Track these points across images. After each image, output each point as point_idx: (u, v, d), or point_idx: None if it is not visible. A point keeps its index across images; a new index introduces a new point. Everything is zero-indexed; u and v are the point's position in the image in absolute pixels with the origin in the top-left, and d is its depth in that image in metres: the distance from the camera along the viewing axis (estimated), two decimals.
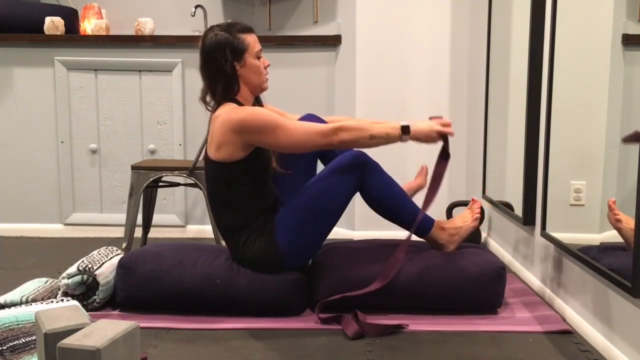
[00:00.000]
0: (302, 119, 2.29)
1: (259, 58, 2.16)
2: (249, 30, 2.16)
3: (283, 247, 2.10)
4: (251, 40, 2.14)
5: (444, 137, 2.12)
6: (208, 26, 3.50)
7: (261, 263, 2.11)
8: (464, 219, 2.30)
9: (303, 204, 2.13)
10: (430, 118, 2.16)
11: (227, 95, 2.13)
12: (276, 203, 2.22)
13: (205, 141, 2.80)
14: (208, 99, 2.18)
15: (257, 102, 2.27)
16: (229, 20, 2.19)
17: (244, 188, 2.12)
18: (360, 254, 2.24)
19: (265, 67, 2.19)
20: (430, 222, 2.25)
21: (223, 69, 2.10)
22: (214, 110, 2.16)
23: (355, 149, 2.20)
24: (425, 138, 2.09)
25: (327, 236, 2.20)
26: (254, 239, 2.11)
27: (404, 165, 3.14)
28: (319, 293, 2.15)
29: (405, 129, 2.06)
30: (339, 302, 2.09)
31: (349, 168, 2.15)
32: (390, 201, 2.20)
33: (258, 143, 2.08)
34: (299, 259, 2.17)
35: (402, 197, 2.21)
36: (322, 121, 2.27)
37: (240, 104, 2.14)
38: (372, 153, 2.22)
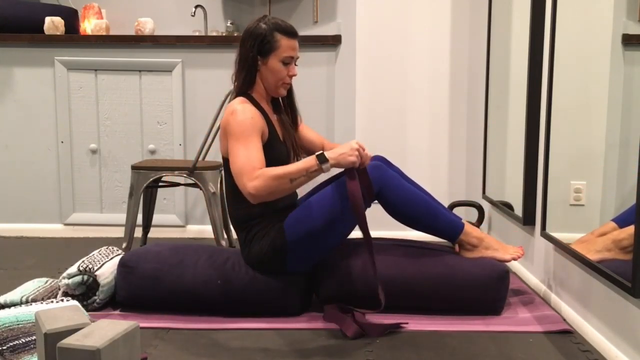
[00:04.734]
0: (373, 159, 2.22)
1: (286, 64, 2.12)
2: (290, 34, 2.11)
3: (291, 246, 2.06)
4: (285, 44, 2.09)
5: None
6: (208, 26, 3.52)
7: (266, 260, 2.09)
8: (503, 247, 2.23)
9: (316, 207, 2.07)
10: None
11: (245, 84, 2.14)
12: (293, 205, 2.19)
13: (206, 141, 2.82)
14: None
15: (290, 102, 2.26)
16: (280, 19, 2.14)
17: None
18: (363, 251, 2.23)
19: (290, 76, 2.15)
20: (457, 228, 2.19)
21: (247, 58, 2.11)
22: (230, 99, 2.16)
23: (374, 161, 2.15)
24: (343, 156, 1.96)
25: (336, 244, 2.14)
26: (262, 235, 2.09)
27: (404, 162, 3.14)
28: (322, 290, 2.16)
29: (320, 157, 1.96)
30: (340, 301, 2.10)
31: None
32: (410, 212, 2.15)
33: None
34: (304, 262, 2.12)
35: (421, 207, 2.15)
36: (391, 165, 2.24)
37: (254, 100, 2.13)
38: (373, 150, 2.21)
